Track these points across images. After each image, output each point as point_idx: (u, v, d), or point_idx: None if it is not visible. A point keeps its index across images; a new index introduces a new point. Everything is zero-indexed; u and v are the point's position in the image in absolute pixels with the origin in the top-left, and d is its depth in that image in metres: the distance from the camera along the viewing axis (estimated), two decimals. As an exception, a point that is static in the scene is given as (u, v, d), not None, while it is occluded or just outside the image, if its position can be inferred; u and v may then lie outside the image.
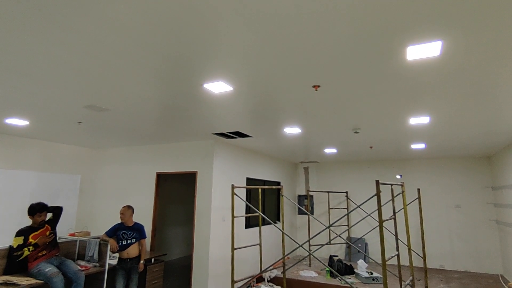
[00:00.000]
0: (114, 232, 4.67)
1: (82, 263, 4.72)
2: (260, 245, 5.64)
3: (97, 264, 4.74)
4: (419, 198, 6.07)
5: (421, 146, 6.53)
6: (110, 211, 7.07)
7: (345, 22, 2.11)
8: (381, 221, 3.99)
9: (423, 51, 2.50)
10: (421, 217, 5.90)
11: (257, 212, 5.39)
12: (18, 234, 4.10)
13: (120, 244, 4.60)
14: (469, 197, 8.00)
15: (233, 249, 4.95)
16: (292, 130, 5.22)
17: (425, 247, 7.96)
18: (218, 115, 4.40)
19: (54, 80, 3.19)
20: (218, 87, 3.29)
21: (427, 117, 4.35)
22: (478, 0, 1.86)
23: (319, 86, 3.30)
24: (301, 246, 4.74)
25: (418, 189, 6.06)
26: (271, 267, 5.66)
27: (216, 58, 2.65)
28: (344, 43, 2.38)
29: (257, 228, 7.25)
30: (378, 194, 4.09)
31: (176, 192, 8.87)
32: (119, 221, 4.80)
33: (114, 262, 4.91)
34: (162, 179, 6.89)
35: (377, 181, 4.09)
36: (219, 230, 6.02)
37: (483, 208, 7.83)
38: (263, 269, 6.71)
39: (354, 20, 2.09)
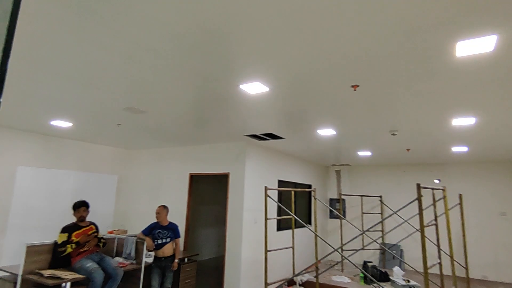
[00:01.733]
0: (150, 231, 4.78)
1: (120, 260, 4.87)
2: (293, 248, 5.57)
3: (134, 262, 4.88)
4: (460, 204, 5.75)
5: (464, 149, 6.18)
6: (145, 210, 7.29)
7: (388, 17, 2.02)
8: (422, 227, 3.81)
9: (475, 46, 2.35)
10: (463, 224, 5.56)
11: (290, 215, 5.33)
12: (63, 230, 4.30)
13: (156, 243, 4.70)
14: (516, 204, 7.47)
15: (266, 251, 4.92)
16: (326, 132, 5.12)
17: (467, 256, 7.51)
18: (252, 116, 4.40)
19: (96, 83, 3.33)
20: (254, 88, 3.29)
21: (473, 118, 4.10)
22: None
23: (358, 86, 3.21)
24: (337, 250, 4.62)
25: (460, 194, 5.73)
26: (303, 271, 5.57)
27: (254, 58, 2.64)
28: (387, 40, 2.28)
29: (288, 231, 7.17)
30: (419, 198, 3.91)
31: (208, 193, 8.99)
32: (154, 220, 4.91)
33: (150, 260, 5.03)
34: (195, 180, 7.00)
35: (418, 185, 3.91)
36: (251, 232, 6.01)
37: (532, 216, 7.28)
38: (295, 272, 6.62)
39: (398, 14, 1.99)
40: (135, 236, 5.02)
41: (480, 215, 7.77)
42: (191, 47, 2.48)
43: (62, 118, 4.91)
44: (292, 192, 5.73)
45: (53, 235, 4.58)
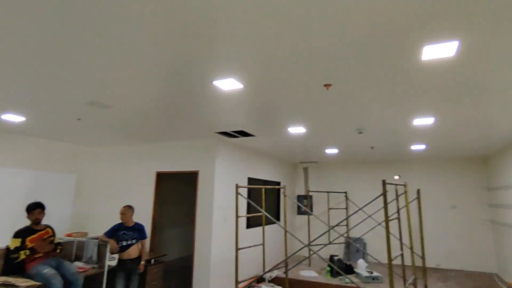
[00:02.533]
0: (114, 232, 4.55)
1: (81, 264, 4.59)
2: (263, 245, 5.59)
3: (96, 266, 4.63)
4: (418, 198, 6.10)
5: (422, 147, 6.56)
6: (108, 211, 6.93)
7: (361, 20, 2.08)
8: (387, 221, 3.98)
9: (439, 51, 2.48)
10: (420, 217, 5.92)
11: (260, 212, 5.34)
12: (16, 235, 3.96)
13: (120, 245, 4.49)
14: (465, 198, 8.10)
15: (237, 249, 4.88)
16: (297, 130, 5.18)
17: (424, 247, 8.02)
18: (223, 113, 4.33)
19: (54, 74, 3.07)
20: (228, 84, 3.23)
21: (432, 118, 4.36)
22: (499, 1, 1.85)
23: (330, 85, 3.27)
24: (308, 246, 4.70)
25: (418, 190, 6.08)
26: (273, 268, 5.61)
27: (228, 54, 2.59)
28: (359, 41, 2.35)
29: (258, 228, 7.19)
30: (384, 194, 4.08)
31: (177, 192, 8.75)
32: (118, 221, 4.69)
33: (114, 263, 4.80)
34: (162, 179, 6.78)
35: (383, 181, 4.08)
36: (220, 230, 5.94)
37: (479, 208, 7.93)
38: (265, 269, 6.66)
39: (370, 18, 2.05)
40: (97, 239, 4.75)
41: (435, 208, 8.33)
42: (163, 40, 2.36)
43: (13, 112, 4.50)
44: (263, 190, 5.75)
45: (5, 240, 4.20)
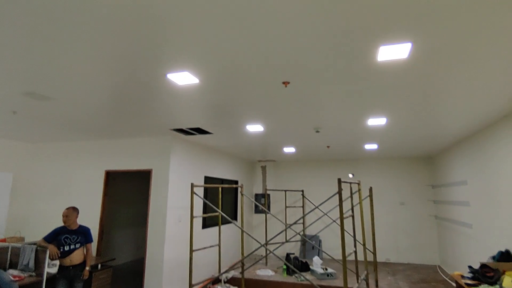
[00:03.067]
0: (55, 236, 4.16)
1: (15, 272, 4.16)
2: (219, 245, 5.45)
3: (33, 274, 4.21)
4: (370, 196, 6.35)
5: (374, 146, 6.84)
6: (50, 213, 6.34)
7: (319, 19, 2.06)
8: (342, 219, 4.05)
9: (394, 52, 2.54)
10: (372, 214, 6.18)
11: (216, 212, 5.19)
12: None
13: (62, 250, 4.11)
14: (412, 195, 8.62)
15: (191, 251, 4.69)
16: (255, 128, 5.11)
17: (375, 242, 8.41)
18: (179, 109, 4.12)
19: (-16, 60, 2.68)
20: (183, 78, 3.05)
21: (384, 118, 4.52)
22: (445, 5, 1.90)
23: (289, 83, 3.22)
24: (264, 245, 4.65)
25: (370, 188, 6.33)
26: (229, 268, 5.50)
27: (183, 46, 2.42)
28: (318, 39, 2.33)
29: (214, 228, 7.03)
30: (339, 192, 4.15)
31: (128, 192, 8.28)
32: (60, 224, 4.29)
33: (54, 270, 4.39)
34: (112, 178, 6.34)
35: (339, 180, 4.15)
36: (174, 231, 5.70)
37: (424, 204, 8.48)
38: (221, 270, 6.52)
39: (328, 17, 2.05)
40: (35, 244, 4.30)
41: (385, 205, 8.77)
42: (112, 26, 2.13)
43: None
44: (220, 189, 5.60)
45: None
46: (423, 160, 8.71)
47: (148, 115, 4.42)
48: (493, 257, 4.51)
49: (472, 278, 4.24)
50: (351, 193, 5.19)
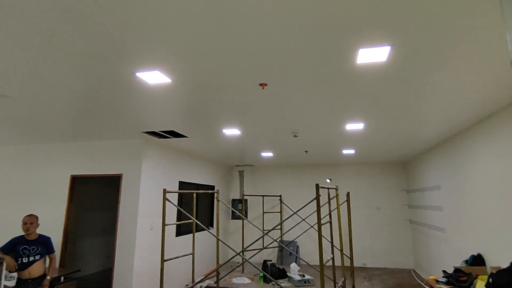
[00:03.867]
0: (12, 247, 3.83)
1: (-35, 288, 3.74)
2: (193, 254, 5.22)
3: (-14, 289, 3.81)
4: (348, 201, 6.34)
5: (351, 151, 6.86)
6: (6, 222, 5.86)
7: (298, 20, 1.99)
8: (319, 225, 3.96)
9: (373, 55, 2.49)
10: (349, 219, 6.16)
11: (191, 219, 4.98)
12: None
13: (20, 262, 3.78)
14: (388, 200, 8.73)
15: (162, 260, 4.45)
16: (232, 132, 4.96)
17: (352, 247, 8.44)
18: (151, 111, 3.91)
19: None
20: (154, 77, 2.86)
21: (362, 123, 4.50)
22: (424, 11, 1.86)
23: (266, 85, 3.11)
24: (240, 254, 4.49)
25: (348, 193, 6.33)
26: (204, 278, 5.28)
27: (154, 43, 2.25)
28: (295, 41, 2.26)
29: (189, 235, 6.77)
30: (317, 198, 4.06)
31: (96, 198, 7.85)
32: (18, 233, 3.96)
33: (12, 283, 4.02)
34: (78, 183, 5.97)
35: (317, 185, 4.06)
36: (145, 240, 5.41)
37: (400, 209, 8.61)
38: (195, 280, 6.26)
39: (306, 18, 1.98)
40: (-11, 256, 3.92)
41: (362, 210, 8.83)
42: (72, 17, 1.93)
43: None
44: (194, 195, 5.39)
45: None
46: (398, 165, 8.86)
47: (118, 116, 4.16)
48: (466, 261, 4.58)
49: (446, 283, 4.27)
50: (329, 199, 5.13)
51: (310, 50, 2.40)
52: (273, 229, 4.99)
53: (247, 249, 8.82)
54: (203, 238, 7.65)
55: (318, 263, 7.99)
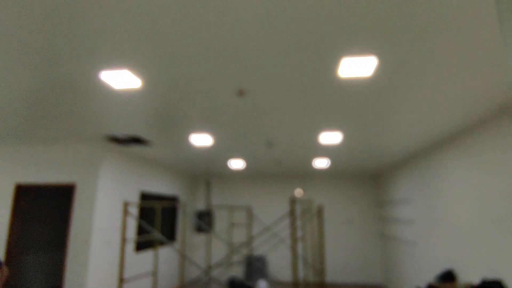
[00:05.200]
0: None
1: None
2: (155, 272, 4.73)
3: None
4: (319, 214, 6.18)
5: (324, 163, 6.75)
6: None
7: (281, 28, 1.88)
8: (295, 239, 3.72)
9: (356, 68, 2.41)
10: (320, 233, 5.99)
11: (153, 233, 4.52)
12: None
13: None
14: (360, 213, 8.67)
15: (120, 279, 3.95)
16: (202, 140, 4.61)
17: (324, 262, 8.27)
18: (114, 114, 3.48)
19: None
20: (121, 79, 2.49)
21: (339, 134, 4.37)
22: (406, 26, 1.73)
23: (244, 93, 2.85)
24: (207, 270, 4.09)
25: (320, 206, 6.17)
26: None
27: (121, 41, 1.92)
28: (279, 49, 2.12)
29: (149, 251, 6.22)
30: (293, 211, 3.82)
31: (45, 209, 7.04)
32: None
33: None
34: (25, 192, 5.27)
35: (292, 198, 3.83)
36: (101, 256, 4.84)
37: (371, 222, 8.58)
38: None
39: (291, 27, 1.88)
40: None
41: (334, 223, 8.69)
42: (29, 10, 1.55)
43: None
44: (158, 207, 4.93)
45: None
46: (370, 178, 8.90)
47: (73, 119, 3.68)
48: (438, 276, 4.55)
49: (420, 300, 4.18)
50: (301, 212, 4.92)
51: (291, 59, 2.26)
52: (244, 244, 4.67)
53: (213, 264, 8.35)
54: (165, 253, 7.09)
55: (288, 279, 7.73)
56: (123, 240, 4.08)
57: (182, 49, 2.10)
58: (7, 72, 2.48)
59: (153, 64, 2.32)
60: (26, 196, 5.42)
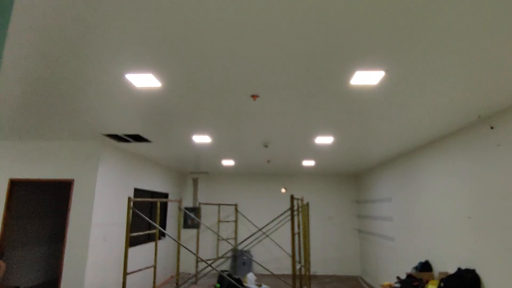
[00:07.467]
0: None
1: None
2: (154, 266, 4.89)
3: None
4: (306, 211, 6.54)
5: (311, 163, 7.12)
6: None
7: (299, 38, 2.06)
8: (293, 236, 4.03)
9: (365, 78, 2.65)
10: (305, 229, 6.36)
11: (147, 226, 4.68)
12: None
13: None
14: (340, 209, 9.18)
15: (125, 273, 4.09)
16: (202, 139, 4.81)
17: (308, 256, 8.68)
18: (118, 113, 3.61)
19: None
20: (139, 79, 2.66)
21: (331, 137, 4.70)
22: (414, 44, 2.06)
23: (258, 96, 3.10)
24: (206, 262, 4.32)
25: (307, 203, 6.54)
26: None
27: (145, 45, 2.10)
28: (293, 58, 2.32)
29: (139, 247, 6.32)
30: (292, 209, 4.13)
31: (40, 204, 6.91)
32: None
33: None
34: (19, 188, 5.23)
35: (291, 196, 4.13)
36: (98, 251, 4.93)
37: (350, 219, 9.11)
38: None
39: (310, 40, 2.07)
40: None
41: (316, 219, 9.15)
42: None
43: None
44: (158, 203, 5.09)
45: None
46: (351, 177, 9.41)
47: (74, 115, 3.72)
48: (416, 267, 5.03)
49: (400, 288, 4.63)
50: (298, 210, 5.24)
51: (305, 70, 2.49)
52: (228, 239, 4.92)
53: (201, 259, 8.53)
54: (153, 249, 7.21)
55: (272, 272, 8.05)
56: (128, 235, 4.22)
57: (203, 51, 2.25)
58: (20, 63, 2.52)
59: (172, 67, 2.49)
60: (21, 192, 5.38)
